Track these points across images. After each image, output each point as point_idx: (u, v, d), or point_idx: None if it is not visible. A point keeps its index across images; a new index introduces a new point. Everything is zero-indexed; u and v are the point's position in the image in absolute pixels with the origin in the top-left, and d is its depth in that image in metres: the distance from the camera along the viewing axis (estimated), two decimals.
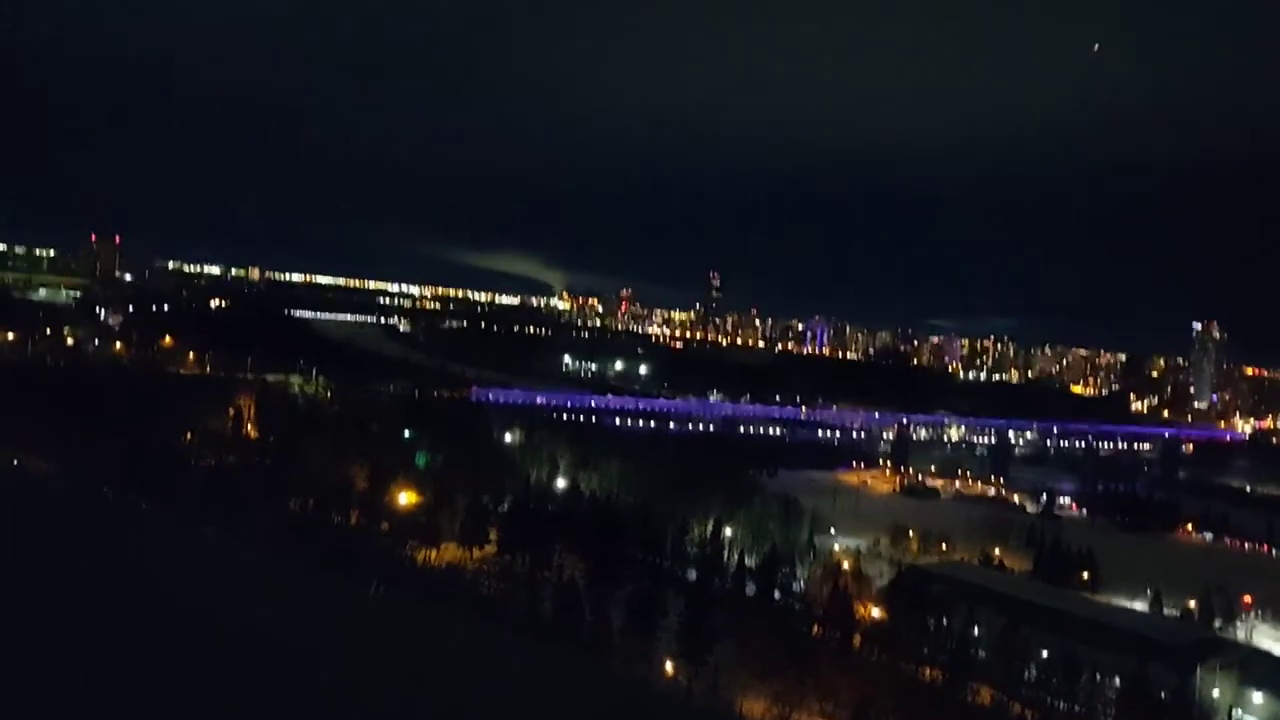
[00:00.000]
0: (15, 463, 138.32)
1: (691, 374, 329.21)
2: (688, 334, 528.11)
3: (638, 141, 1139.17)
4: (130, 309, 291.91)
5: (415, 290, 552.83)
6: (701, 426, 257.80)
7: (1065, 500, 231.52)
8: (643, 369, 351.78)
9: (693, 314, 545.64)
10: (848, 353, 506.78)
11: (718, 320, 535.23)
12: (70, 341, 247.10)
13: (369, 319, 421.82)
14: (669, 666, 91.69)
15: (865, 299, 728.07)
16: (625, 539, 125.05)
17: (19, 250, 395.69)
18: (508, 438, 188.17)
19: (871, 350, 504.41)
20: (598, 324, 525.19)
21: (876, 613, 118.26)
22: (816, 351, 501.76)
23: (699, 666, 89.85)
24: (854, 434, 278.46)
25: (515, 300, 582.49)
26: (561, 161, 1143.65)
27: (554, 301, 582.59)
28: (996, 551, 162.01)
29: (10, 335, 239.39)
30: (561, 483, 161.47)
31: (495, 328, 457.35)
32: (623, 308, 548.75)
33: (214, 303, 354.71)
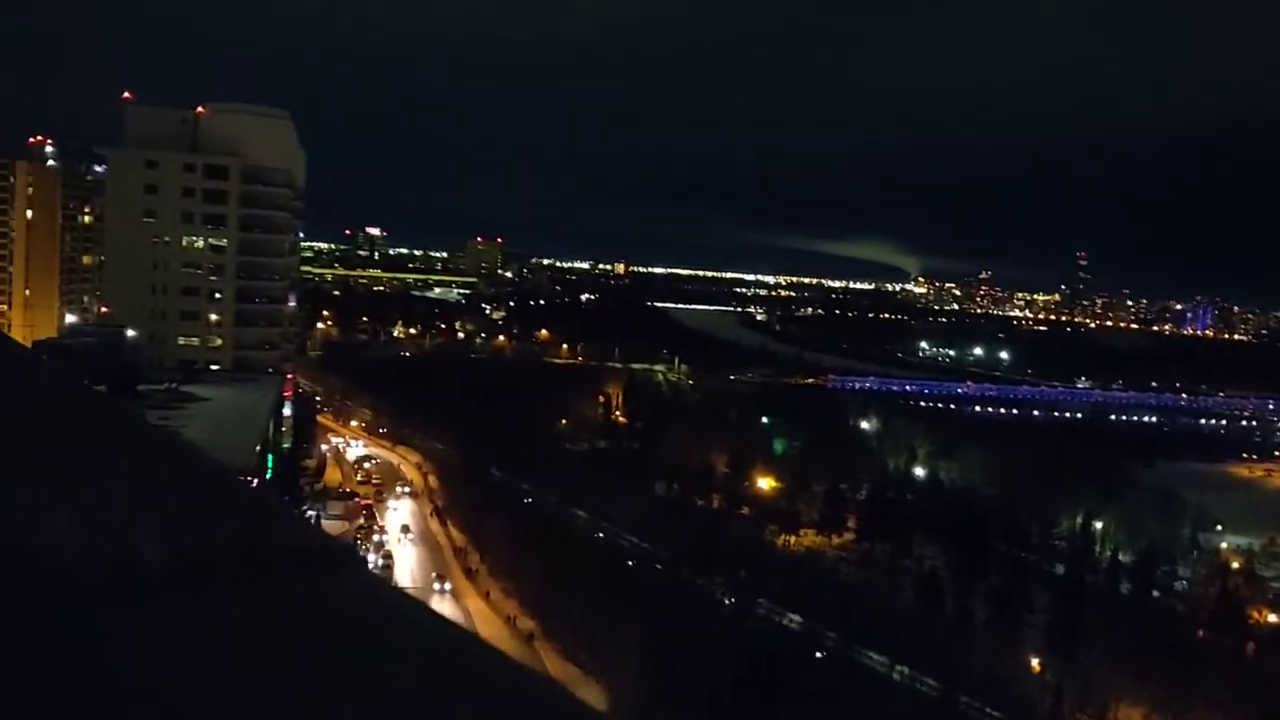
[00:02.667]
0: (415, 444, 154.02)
1: (1056, 359, 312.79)
2: (1052, 317, 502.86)
3: (995, 122, 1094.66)
4: (511, 304, 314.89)
5: (770, 279, 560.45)
6: (1068, 414, 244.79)
7: None
8: (1003, 354, 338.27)
9: (1057, 296, 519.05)
10: (1234, 335, 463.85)
11: (1085, 302, 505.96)
12: (460, 335, 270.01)
13: (726, 308, 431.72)
14: (1035, 663, 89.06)
15: (1255, 278, 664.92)
16: (987, 530, 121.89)
17: (417, 253, 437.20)
18: (864, 425, 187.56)
19: (1264, 332, 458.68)
20: (955, 308, 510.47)
21: (1275, 618, 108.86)
22: (1197, 333, 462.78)
23: (1069, 665, 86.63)
24: (1244, 423, 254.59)
25: (870, 286, 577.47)
26: (919, 146, 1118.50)
27: (909, 286, 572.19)
28: None
29: (411, 330, 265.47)
30: (920, 471, 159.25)
31: (850, 314, 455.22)
32: (981, 291, 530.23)
33: (584, 296, 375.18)
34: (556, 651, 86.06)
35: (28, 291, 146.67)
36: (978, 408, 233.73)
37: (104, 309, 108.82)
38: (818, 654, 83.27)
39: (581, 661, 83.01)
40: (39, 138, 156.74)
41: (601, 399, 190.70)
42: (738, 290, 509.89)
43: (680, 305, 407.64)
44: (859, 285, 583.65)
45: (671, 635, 75.95)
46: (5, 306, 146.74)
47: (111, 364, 74.15)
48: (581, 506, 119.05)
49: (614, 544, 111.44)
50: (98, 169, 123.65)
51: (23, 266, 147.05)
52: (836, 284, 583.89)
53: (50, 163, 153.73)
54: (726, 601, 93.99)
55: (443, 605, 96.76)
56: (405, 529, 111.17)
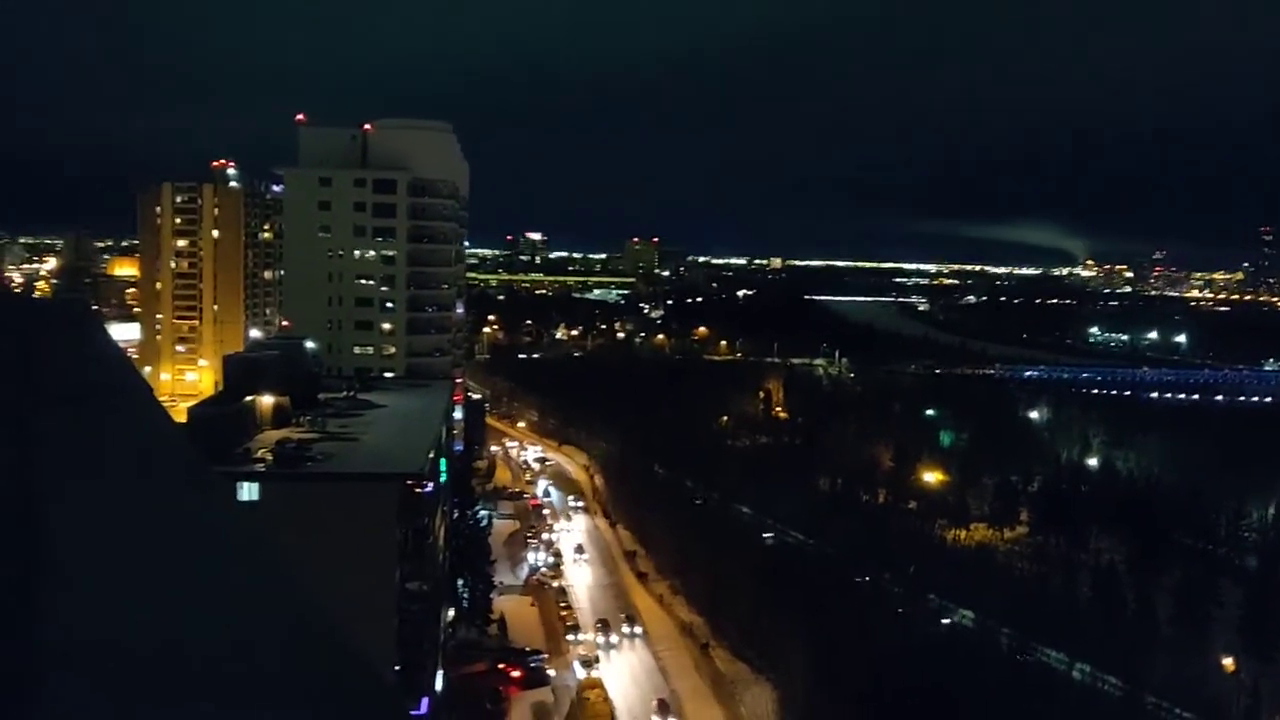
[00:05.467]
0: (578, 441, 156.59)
1: (1239, 340, 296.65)
2: (1234, 296, 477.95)
3: (1166, 101, 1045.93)
4: (668, 302, 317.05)
5: (931, 268, 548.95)
6: (1255, 398, 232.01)
7: None
8: (1180, 337, 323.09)
9: (1239, 274, 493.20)
10: None
11: (1271, 279, 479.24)
12: (620, 335, 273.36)
13: (887, 299, 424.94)
14: (1228, 661, 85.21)
15: None
16: (1169, 522, 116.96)
17: (576, 256, 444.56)
18: (1034, 414, 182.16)
19: None
20: (1127, 290, 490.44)
21: None
22: None
23: (1265, 663, 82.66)
24: None
25: (1035, 271, 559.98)
26: (1085, 127, 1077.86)
27: (1077, 270, 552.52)
28: None
29: (572, 332, 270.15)
30: (1094, 462, 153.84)
31: (1015, 301, 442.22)
32: (1155, 271, 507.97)
33: (741, 292, 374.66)
34: (726, 649, 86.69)
35: (216, 306, 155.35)
36: (1155, 394, 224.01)
37: (285, 322, 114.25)
38: (992, 651, 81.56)
39: (750, 659, 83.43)
40: (222, 161, 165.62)
41: (762, 395, 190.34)
42: (898, 280, 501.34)
43: (839, 298, 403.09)
44: (1024, 271, 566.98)
45: (841, 632, 75.66)
46: (196, 321, 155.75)
47: (294, 375, 77.83)
48: (746, 503, 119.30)
49: (780, 540, 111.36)
50: (276, 189, 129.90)
51: (211, 283, 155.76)
52: (1000, 270, 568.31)
53: (233, 185, 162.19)
54: (896, 598, 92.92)
55: (615, 602, 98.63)
56: (580, 549, 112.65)
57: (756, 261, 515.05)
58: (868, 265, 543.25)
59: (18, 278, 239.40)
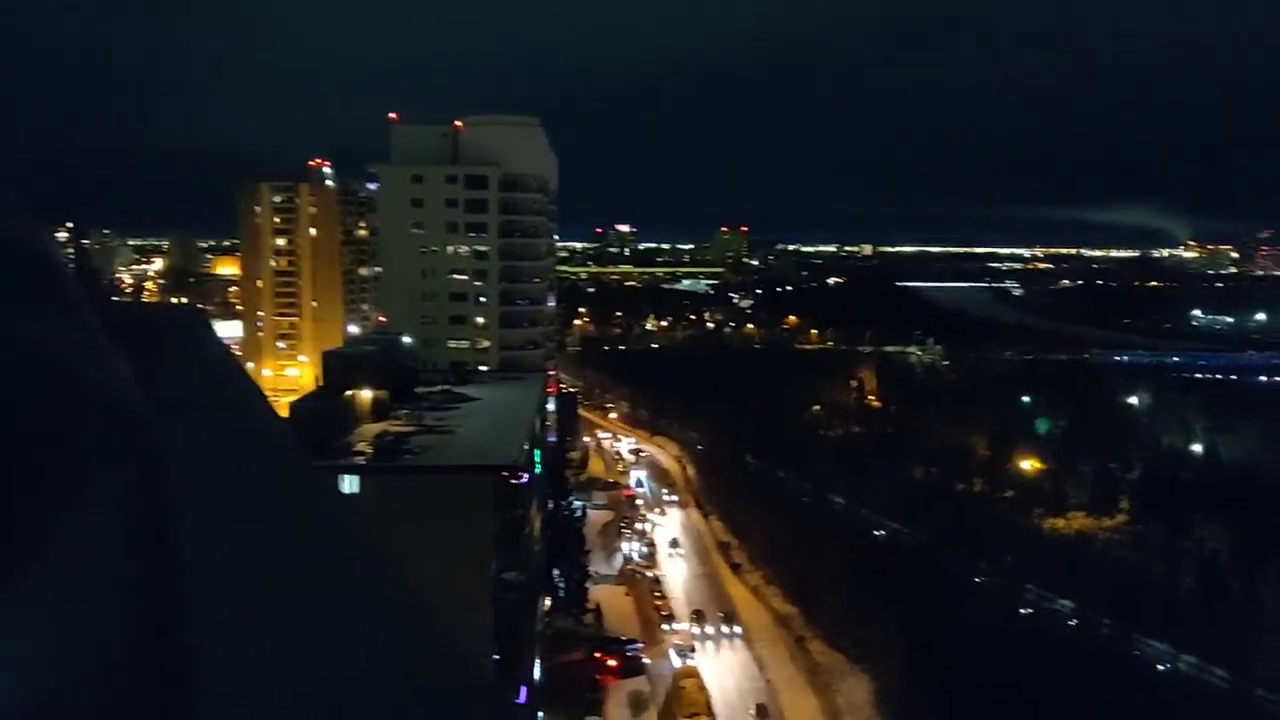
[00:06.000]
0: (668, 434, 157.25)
1: None
2: None
3: (1267, 69, 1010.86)
4: (758, 291, 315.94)
5: (1025, 252, 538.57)
6: None
7: None
8: None
9: None
10: None
11: None
12: (710, 325, 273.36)
13: (980, 285, 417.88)
14: None
15: None
16: (1277, 509, 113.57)
17: (664, 247, 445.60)
18: (1134, 400, 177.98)
19: None
20: (1231, 271, 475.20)
21: None
22: None
23: None
24: None
25: (1134, 253, 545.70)
26: (1182, 104, 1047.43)
27: (1178, 251, 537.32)
28: None
29: (662, 323, 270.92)
30: (1197, 448, 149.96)
31: (1113, 284, 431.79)
32: (1262, 251, 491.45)
33: (830, 280, 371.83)
34: (821, 639, 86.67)
35: (314, 303, 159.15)
36: (1263, 377, 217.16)
37: (381, 318, 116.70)
38: (1093, 641, 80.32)
39: (846, 649, 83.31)
40: (318, 161, 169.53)
41: (853, 383, 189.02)
42: (992, 266, 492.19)
43: (931, 284, 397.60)
44: (1121, 253, 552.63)
45: (937, 622, 75.20)
46: (296, 318, 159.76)
47: (391, 369, 79.67)
48: (838, 493, 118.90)
49: (873, 530, 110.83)
50: (370, 186, 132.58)
51: (309, 280, 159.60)
52: (1097, 253, 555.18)
53: (328, 183, 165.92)
54: (993, 588, 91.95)
55: (709, 592, 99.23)
56: (674, 542, 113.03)
57: (847, 248, 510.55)
58: (961, 251, 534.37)
59: (127, 278, 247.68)
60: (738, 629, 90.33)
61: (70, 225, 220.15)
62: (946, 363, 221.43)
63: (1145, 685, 71.70)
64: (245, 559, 1.60)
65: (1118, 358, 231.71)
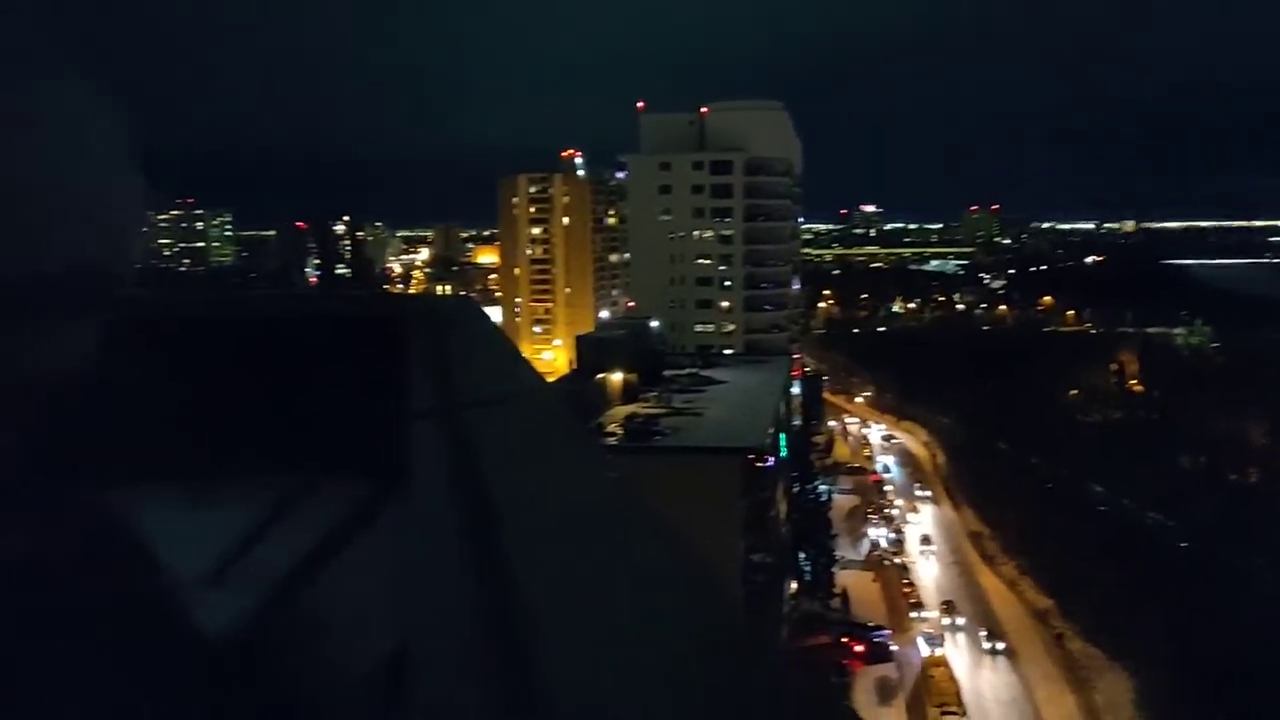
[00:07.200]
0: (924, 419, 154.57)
1: None
2: None
3: None
4: (1010, 272, 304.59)
5: None
6: None
7: None
8: None
9: None
10: None
11: None
12: (960, 307, 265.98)
13: (1259, 261, 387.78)
14: None
15: None
16: None
17: (911, 227, 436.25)
18: None
19: None
20: None
21: None
22: None
23: None
24: None
25: None
26: None
27: None
28: None
29: (909, 305, 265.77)
30: None
31: None
32: None
33: (1089, 258, 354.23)
34: (1077, 634, 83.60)
35: (568, 290, 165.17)
36: None
37: (630, 303, 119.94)
38: None
39: (1105, 645, 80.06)
40: (570, 152, 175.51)
41: (1113, 367, 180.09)
42: (1273, 240, 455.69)
43: (1201, 261, 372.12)
44: None
45: (1205, 620, 71.29)
46: (551, 304, 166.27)
47: (641, 353, 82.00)
48: (1097, 481, 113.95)
49: (1135, 521, 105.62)
50: (619, 175, 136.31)
51: (562, 268, 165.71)
52: None
53: (580, 173, 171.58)
54: (1273, 588, 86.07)
55: (959, 580, 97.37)
56: (926, 539, 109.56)
57: (1106, 226, 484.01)
58: (1235, 225, 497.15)
59: (396, 267, 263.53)
60: (988, 618, 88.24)
61: (347, 219, 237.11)
62: (1216, 345, 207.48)
63: None
64: (555, 539, 1.65)
65: None
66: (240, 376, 1.92)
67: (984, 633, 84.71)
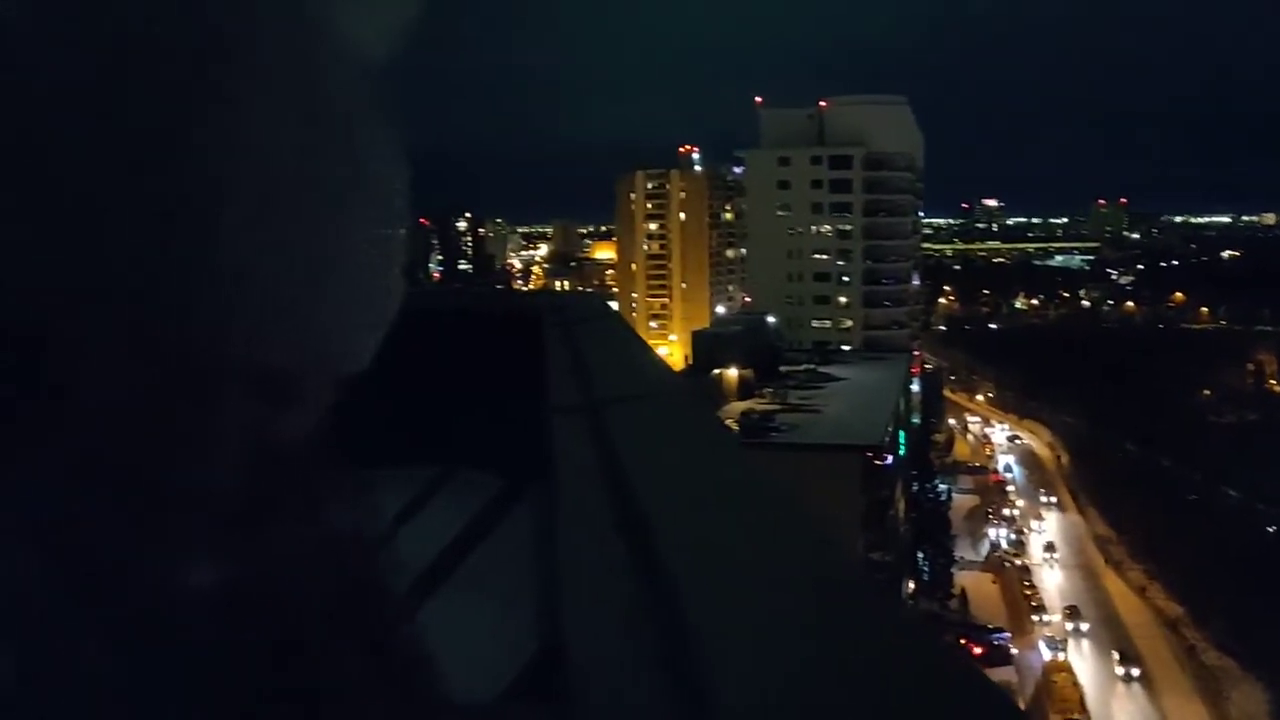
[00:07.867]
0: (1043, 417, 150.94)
1: None
2: None
3: None
4: (1139, 267, 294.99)
5: None
6: None
7: None
8: None
9: None
10: None
11: None
12: (1085, 303, 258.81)
13: None
14: None
15: None
16: None
17: (1035, 221, 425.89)
18: None
19: None
20: None
21: None
22: None
23: None
24: None
25: None
26: None
27: None
28: None
29: (1033, 301, 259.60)
30: None
31: None
32: None
33: (1224, 253, 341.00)
34: (1210, 643, 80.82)
35: (684, 285, 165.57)
36: None
37: (746, 299, 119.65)
38: None
39: (1239, 654, 77.27)
40: (687, 147, 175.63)
41: (1250, 366, 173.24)
42: None
43: None
44: None
45: None
46: (667, 299, 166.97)
47: (757, 348, 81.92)
48: (1231, 484, 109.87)
49: (1271, 528, 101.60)
50: (736, 170, 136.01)
51: (679, 263, 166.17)
52: None
53: (696, 169, 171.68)
54: None
55: (1084, 586, 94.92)
56: (1049, 546, 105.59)
57: (1244, 219, 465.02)
58: None
59: (516, 263, 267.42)
60: (1115, 624, 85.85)
61: (469, 215, 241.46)
62: None
63: None
64: (703, 537, 1.67)
65: None
66: (407, 370, 1.85)
67: (1111, 639, 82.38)
